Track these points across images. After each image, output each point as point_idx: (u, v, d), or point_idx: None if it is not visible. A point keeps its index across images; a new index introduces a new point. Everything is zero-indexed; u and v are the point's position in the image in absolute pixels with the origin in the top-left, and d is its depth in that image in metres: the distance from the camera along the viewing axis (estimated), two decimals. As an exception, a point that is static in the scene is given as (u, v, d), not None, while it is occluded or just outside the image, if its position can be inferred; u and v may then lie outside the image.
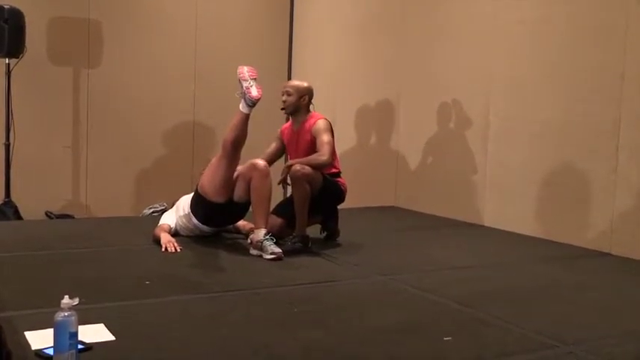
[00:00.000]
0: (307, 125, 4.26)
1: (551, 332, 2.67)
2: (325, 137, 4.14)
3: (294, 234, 4.07)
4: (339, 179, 4.31)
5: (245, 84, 3.84)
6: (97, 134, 6.45)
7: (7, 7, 5.50)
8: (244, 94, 3.84)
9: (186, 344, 2.41)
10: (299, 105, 4.27)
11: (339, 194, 4.29)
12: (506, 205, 5.01)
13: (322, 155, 4.07)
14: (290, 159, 4.38)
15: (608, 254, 4.21)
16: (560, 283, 3.53)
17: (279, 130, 4.51)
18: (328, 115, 4.49)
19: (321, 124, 4.21)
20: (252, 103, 3.85)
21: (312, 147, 4.19)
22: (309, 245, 4.07)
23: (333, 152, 4.17)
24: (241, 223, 4.38)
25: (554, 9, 4.62)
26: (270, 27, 7.26)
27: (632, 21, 4.12)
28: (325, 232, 4.42)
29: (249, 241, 3.98)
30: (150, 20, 6.62)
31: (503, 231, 4.93)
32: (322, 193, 4.11)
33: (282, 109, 4.32)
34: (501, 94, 5.06)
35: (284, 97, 4.29)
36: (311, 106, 4.35)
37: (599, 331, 2.76)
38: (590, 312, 3.03)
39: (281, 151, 4.50)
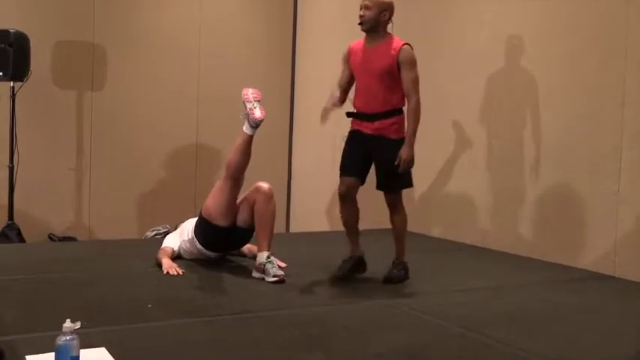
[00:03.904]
0: (387, 47, 3.76)
1: (555, 356, 2.65)
2: (413, 74, 3.72)
3: (395, 261, 3.93)
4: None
5: (249, 105, 3.87)
6: (101, 156, 6.46)
7: (13, 30, 5.55)
8: (248, 116, 3.87)
9: (188, 368, 2.40)
10: (378, 21, 3.77)
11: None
12: (509, 227, 5.00)
13: (414, 109, 3.69)
14: (358, 83, 3.90)
15: (612, 277, 4.19)
16: (564, 306, 3.51)
17: (347, 48, 3.98)
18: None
19: (408, 52, 3.73)
20: (256, 125, 3.87)
21: (389, 74, 3.74)
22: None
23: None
24: (246, 247, 4.35)
25: (555, 31, 4.65)
26: (273, 49, 7.30)
27: (631, 44, 4.14)
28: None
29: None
30: (153, 43, 6.66)
31: (506, 253, 4.91)
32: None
33: (360, 23, 3.81)
34: (502, 115, 5.08)
35: (362, 12, 3.78)
36: (389, 26, 3.84)
37: (604, 354, 2.74)
38: (595, 335, 3.02)
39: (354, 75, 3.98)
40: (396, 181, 3.87)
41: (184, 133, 6.84)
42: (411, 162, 3.75)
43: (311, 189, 6.93)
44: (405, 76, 3.73)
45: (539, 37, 4.77)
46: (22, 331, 2.73)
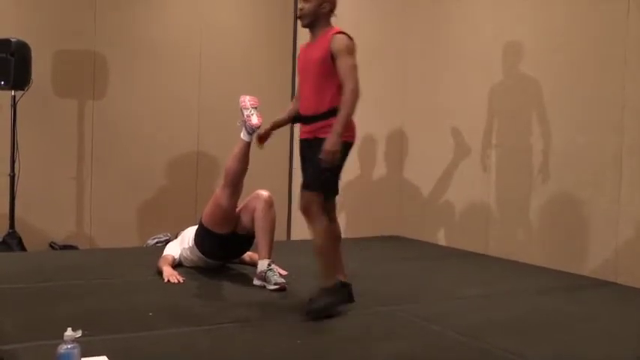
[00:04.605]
0: (323, 39, 3.37)
1: (557, 363, 2.65)
2: (349, 61, 3.25)
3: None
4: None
5: (246, 112, 3.89)
6: (102, 165, 6.47)
7: (14, 39, 5.56)
8: (245, 123, 3.89)
9: (189, 377, 2.40)
10: (318, 13, 3.40)
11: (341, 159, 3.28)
12: (510, 234, 5.00)
13: (348, 94, 3.19)
14: (301, 86, 3.56)
15: (614, 283, 4.18)
16: (566, 313, 3.51)
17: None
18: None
19: (342, 39, 3.29)
20: (253, 131, 3.88)
21: (324, 68, 3.32)
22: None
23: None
24: (247, 254, 4.35)
25: (555, 40, 4.66)
26: (273, 59, 7.31)
27: (630, 52, 4.15)
28: None
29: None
30: (155, 52, 6.68)
31: (507, 260, 4.91)
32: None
33: (298, 17, 3.48)
34: (503, 123, 5.09)
35: (300, 5, 3.46)
36: (333, 18, 3.46)
37: (605, 361, 2.74)
38: (596, 342, 3.01)
39: None
40: (314, 176, 3.29)
41: (185, 140, 6.85)
42: (335, 153, 3.16)
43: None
44: (340, 63, 3.26)
45: (539, 45, 4.78)
46: (23, 340, 2.73)
